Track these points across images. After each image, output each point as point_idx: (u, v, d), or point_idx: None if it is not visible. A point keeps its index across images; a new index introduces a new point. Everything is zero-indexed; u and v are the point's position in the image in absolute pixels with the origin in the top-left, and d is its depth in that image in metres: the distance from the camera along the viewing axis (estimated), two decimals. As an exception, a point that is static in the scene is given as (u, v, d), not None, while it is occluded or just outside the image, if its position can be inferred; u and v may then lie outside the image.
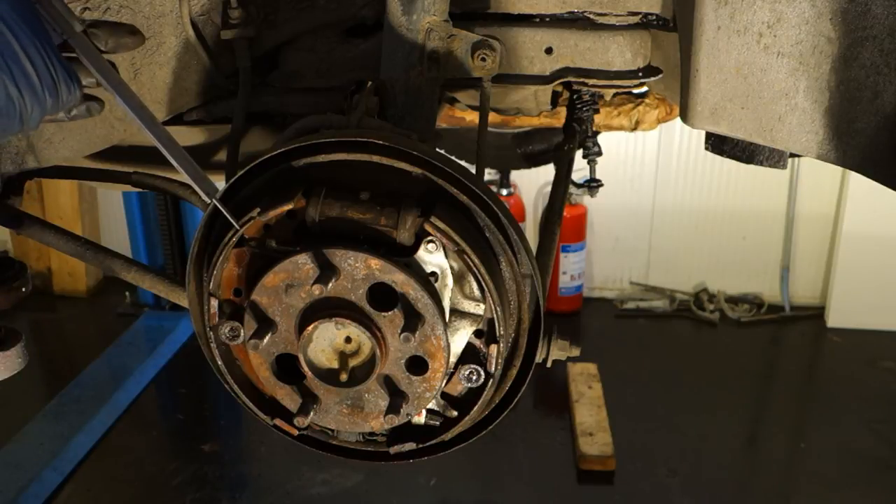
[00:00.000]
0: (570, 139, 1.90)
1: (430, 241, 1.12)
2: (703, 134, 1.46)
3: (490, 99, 1.47)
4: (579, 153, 1.97)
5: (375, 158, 1.12)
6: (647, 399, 4.32)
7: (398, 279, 1.09)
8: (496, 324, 1.15)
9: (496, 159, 3.25)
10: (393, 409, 1.16)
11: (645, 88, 2.37)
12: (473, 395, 1.22)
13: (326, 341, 1.16)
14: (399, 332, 1.10)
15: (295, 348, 1.15)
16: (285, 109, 1.61)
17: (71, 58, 1.00)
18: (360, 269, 1.09)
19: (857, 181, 4.69)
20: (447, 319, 1.15)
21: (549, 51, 1.52)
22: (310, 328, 1.12)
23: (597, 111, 1.92)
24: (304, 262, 1.10)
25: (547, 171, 4.01)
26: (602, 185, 2.05)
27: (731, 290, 5.36)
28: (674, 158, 5.16)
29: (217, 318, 1.19)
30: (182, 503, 3.56)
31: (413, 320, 1.10)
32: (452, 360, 1.18)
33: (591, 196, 2.07)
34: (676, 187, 5.22)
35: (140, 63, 1.40)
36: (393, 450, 1.25)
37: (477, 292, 1.16)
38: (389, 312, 1.11)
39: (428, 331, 1.11)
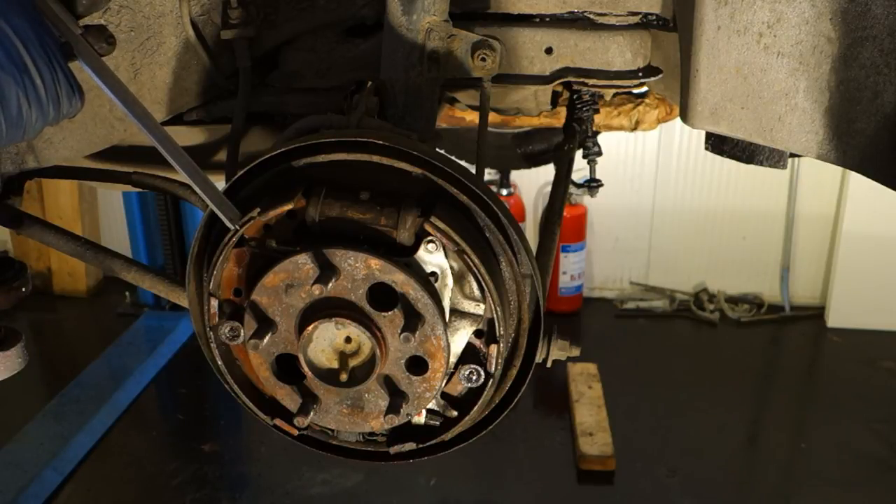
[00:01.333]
0: (570, 139, 1.90)
1: (430, 241, 1.12)
2: (703, 134, 1.46)
3: (490, 99, 1.47)
4: (579, 153, 1.97)
5: (375, 158, 1.12)
6: (647, 399, 4.32)
7: (398, 279, 1.09)
8: (496, 324, 1.15)
9: (496, 159, 3.25)
10: (393, 409, 1.16)
11: (645, 88, 2.37)
12: (473, 395, 1.22)
13: (326, 341, 1.16)
14: (399, 332, 1.10)
15: (295, 348, 1.15)
16: (285, 109, 1.61)
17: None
18: (360, 269, 1.09)
19: (857, 181, 4.69)
20: (447, 319, 1.15)
21: (549, 51, 1.52)
22: (310, 328, 1.12)
23: (597, 111, 1.91)
24: (304, 262, 1.10)
25: (547, 171, 4.01)
26: (602, 185, 2.04)
27: (731, 290, 5.36)
28: (674, 158, 5.16)
29: (217, 318, 1.19)
30: (182, 503, 3.56)
31: (413, 320, 1.10)
32: (452, 360, 1.18)
33: (591, 196, 2.07)
34: (676, 187, 5.22)
35: (140, 63, 1.40)
36: (393, 450, 1.25)
37: (477, 292, 1.16)
38: (389, 312, 1.11)
39: (428, 331, 1.11)
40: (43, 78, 0.93)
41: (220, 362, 1.23)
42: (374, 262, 1.08)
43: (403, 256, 1.12)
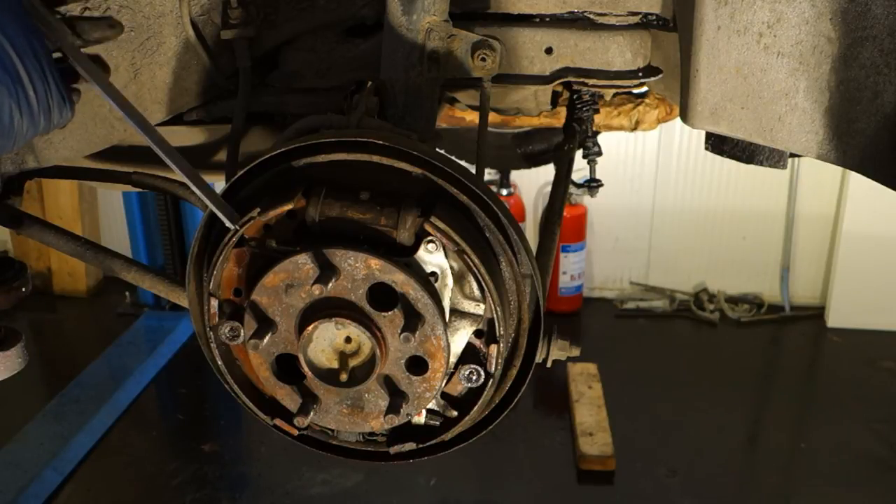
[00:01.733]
0: (570, 139, 1.90)
1: (430, 241, 1.12)
2: (703, 134, 1.46)
3: (490, 99, 1.47)
4: (579, 153, 1.97)
5: (375, 158, 1.12)
6: (647, 399, 4.32)
7: (398, 279, 1.09)
8: (496, 324, 1.15)
9: (496, 159, 3.25)
10: (393, 409, 1.16)
11: (645, 88, 2.37)
12: (473, 395, 1.22)
13: (326, 341, 1.16)
14: (399, 332, 1.10)
15: (295, 348, 1.15)
16: (285, 109, 1.61)
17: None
18: (360, 269, 1.09)
19: (857, 181, 4.69)
20: (447, 319, 1.15)
21: (549, 51, 1.52)
22: (310, 328, 1.12)
23: (597, 111, 1.91)
24: (304, 262, 1.10)
25: (547, 171, 4.01)
26: (602, 185, 2.05)
27: (731, 290, 5.36)
28: (674, 158, 5.16)
29: (217, 318, 1.19)
30: (182, 503, 3.56)
31: (413, 320, 1.10)
32: (452, 360, 1.18)
33: (591, 196, 2.07)
34: (676, 187, 5.22)
35: (140, 63, 1.40)
36: (393, 450, 1.25)
37: (477, 292, 1.16)
38: (389, 312, 1.11)
39: (428, 331, 1.11)
40: (36, 89, 0.94)
41: (220, 362, 1.23)
42: (374, 262, 1.08)
43: (403, 256, 1.12)
